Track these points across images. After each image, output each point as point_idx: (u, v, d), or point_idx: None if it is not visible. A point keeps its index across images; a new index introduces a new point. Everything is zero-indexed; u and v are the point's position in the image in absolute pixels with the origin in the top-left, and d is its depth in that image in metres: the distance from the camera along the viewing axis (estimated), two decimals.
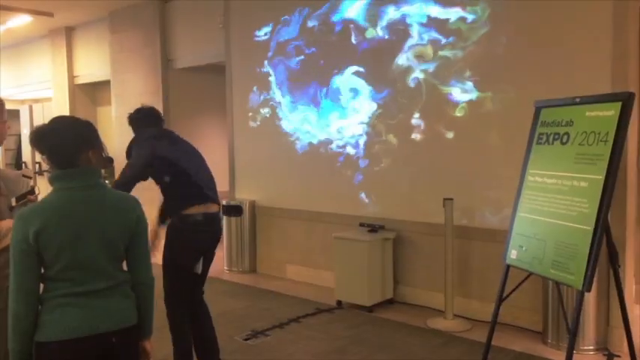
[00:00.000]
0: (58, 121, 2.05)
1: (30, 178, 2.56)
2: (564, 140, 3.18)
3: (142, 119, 3.51)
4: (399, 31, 4.86)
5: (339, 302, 4.94)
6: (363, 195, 5.23)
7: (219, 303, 4.86)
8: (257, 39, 6.00)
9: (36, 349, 1.91)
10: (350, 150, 5.30)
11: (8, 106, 10.01)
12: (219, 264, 6.18)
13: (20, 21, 8.02)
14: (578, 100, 3.16)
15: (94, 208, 1.98)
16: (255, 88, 6.09)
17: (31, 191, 2.43)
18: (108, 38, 7.93)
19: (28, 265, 1.89)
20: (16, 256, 1.89)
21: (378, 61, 5.04)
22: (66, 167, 1.96)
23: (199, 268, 3.35)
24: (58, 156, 1.97)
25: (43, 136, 1.98)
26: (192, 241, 3.26)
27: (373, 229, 4.96)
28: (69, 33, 8.80)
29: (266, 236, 6.13)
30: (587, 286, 2.80)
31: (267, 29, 5.91)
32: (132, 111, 3.60)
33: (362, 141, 5.20)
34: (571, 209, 3.01)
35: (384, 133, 5.04)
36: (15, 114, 10.38)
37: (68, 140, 1.97)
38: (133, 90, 7.47)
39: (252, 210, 6.13)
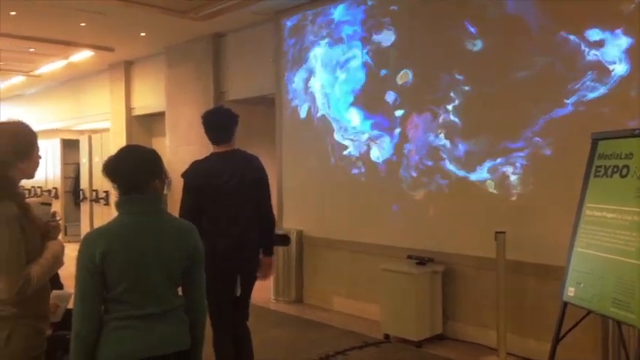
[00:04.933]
0: (127, 150, 2.16)
1: (49, 204, 2.63)
2: (624, 173, 3.07)
3: (207, 131, 3.47)
4: (446, 61, 4.86)
5: (387, 336, 4.85)
6: (411, 226, 5.17)
7: (265, 332, 4.86)
8: (308, 62, 6.12)
9: None
10: (399, 181, 5.27)
11: (69, 137, 10.44)
12: (267, 293, 6.19)
13: (82, 55, 8.46)
14: (637, 131, 3.06)
15: (156, 233, 2.06)
16: (304, 120, 6.18)
17: (53, 219, 2.50)
18: (164, 72, 8.25)
19: (91, 286, 1.97)
20: (82, 276, 1.98)
21: (429, 91, 5.04)
22: (130, 193, 2.05)
23: (238, 291, 3.38)
24: (126, 183, 2.07)
25: (114, 165, 2.08)
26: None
27: (421, 261, 4.87)
28: (127, 67, 9.21)
29: (313, 267, 6.12)
30: None
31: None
32: (207, 111, 3.57)
33: (412, 172, 5.17)
34: (630, 244, 2.90)
35: (435, 163, 4.99)
36: (75, 144, 10.88)
37: (137, 168, 2.07)
38: (186, 121, 7.70)
39: (299, 240, 6.14)
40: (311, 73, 6.10)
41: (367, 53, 5.56)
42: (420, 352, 4.54)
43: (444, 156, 4.90)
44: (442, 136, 4.91)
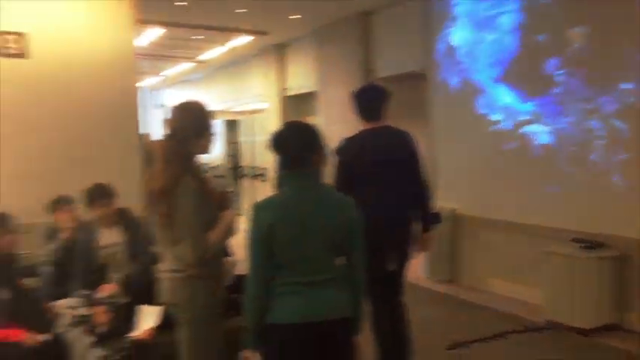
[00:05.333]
0: (290, 125, 2.29)
1: (222, 177, 2.86)
2: None
3: (358, 108, 3.49)
4: None
5: (549, 322, 4.55)
6: (577, 208, 4.76)
7: (419, 310, 4.80)
8: (453, 22, 5.88)
9: (266, 329, 2.12)
10: (561, 161, 4.86)
11: (229, 118, 11.08)
12: (420, 271, 6.14)
13: (241, 41, 8.96)
14: None
15: (316, 206, 2.15)
16: (455, 93, 5.95)
17: (226, 190, 2.72)
18: (314, 52, 8.46)
19: (262, 252, 2.10)
20: (253, 243, 2.12)
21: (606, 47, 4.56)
22: (294, 168, 2.14)
23: (391, 266, 3.37)
24: (289, 157, 2.17)
25: (279, 140, 2.20)
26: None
27: (590, 245, 4.48)
28: (280, 49, 9.58)
29: (467, 246, 5.93)
30: None
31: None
32: (358, 88, 3.59)
33: (582, 144, 4.72)
34: None
35: (614, 135, 4.48)
36: (234, 124, 11.67)
37: (299, 143, 2.17)
38: (337, 100, 7.83)
39: (452, 218, 5.98)
40: (456, 33, 5.86)
41: (522, 10, 5.15)
42: (590, 341, 4.21)
43: (615, 139, 4.42)
44: (614, 118, 4.41)
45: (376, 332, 3.40)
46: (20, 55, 4.59)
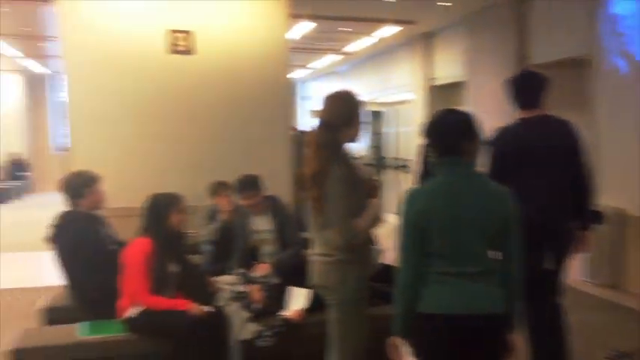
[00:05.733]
0: (443, 113, 2.25)
1: (371, 165, 2.87)
2: None
3: (514, 95, 3.28)
4: None
5: None
6: None
7: (576, 314, 4.43)
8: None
9: (416, 317, 2.09)
10: None
11: (373, 109, 11.12)
12: (577, 274, 5.69)
13: (388, 31, 8.92)
14: None
15: (471, 195, 2.08)
16: (622, 77, 5.38)
17: (374, 179, 2.74)
18: (464, 41, 8.18)
19: (413, 239, 2.08)
20: (405, 229, 2.10)
21: None
22: (448, 155, 2.10)
23: (549, 264, 3.17)
24: (440, 145, 2.14)
25: (431, 128, 2.19)
26: None
27: None
28: (427, 38, 9.40)
29: (635, 250, 5.34)
30: None
31: None
32: (515, 75, 3.38)
33: None
34: None
35: None
36: (378, 115, 11.71)
37: (454, 131, 2.12)
38: (487, 89, 7.52)
39: (619, 219, 5.42)
40: (624, 10, 5.32)
41: None
42: None
43: None
44: None
45: (531, 332, 3.22)
46: (187, 52, 5.01)
